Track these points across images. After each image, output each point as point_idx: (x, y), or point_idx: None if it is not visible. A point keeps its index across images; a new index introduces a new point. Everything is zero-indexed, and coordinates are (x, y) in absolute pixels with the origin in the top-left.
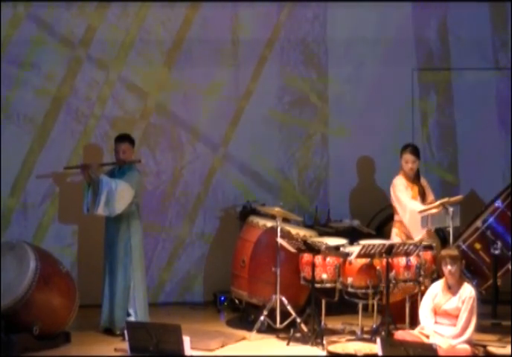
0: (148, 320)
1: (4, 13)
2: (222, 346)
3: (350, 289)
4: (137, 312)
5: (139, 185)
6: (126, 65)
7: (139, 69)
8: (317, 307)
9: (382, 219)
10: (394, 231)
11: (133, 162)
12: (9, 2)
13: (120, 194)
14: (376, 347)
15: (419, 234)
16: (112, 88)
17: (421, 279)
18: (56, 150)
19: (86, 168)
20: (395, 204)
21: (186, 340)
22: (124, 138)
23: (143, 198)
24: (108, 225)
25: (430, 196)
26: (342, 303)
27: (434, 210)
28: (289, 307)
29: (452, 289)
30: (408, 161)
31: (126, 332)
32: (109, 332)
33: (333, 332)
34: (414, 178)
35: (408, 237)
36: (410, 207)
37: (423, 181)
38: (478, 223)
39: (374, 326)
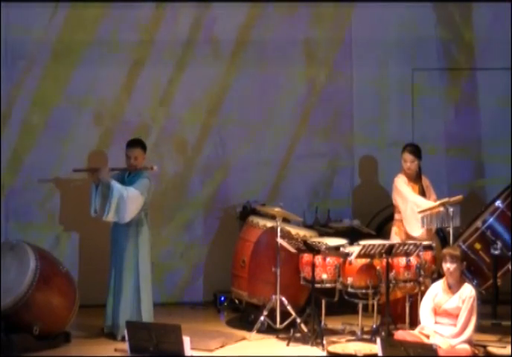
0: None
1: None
2: (222, 346)
3: (350, 289)
4: (143, 315)
5: (149, 193)
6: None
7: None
8: (317, 307)
9: (382, 219)
10: (394, 230)
11: (145, 169)
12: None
13: (131, 202)
14: (376, 347)
15: (417, 230)
16: (115, 90)
17: (421, 279)
18: (58, 154)
19: (96, 172)
20: (396, 199)
21: (186, 340)
22: (137, 144)
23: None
24: (116, 231)
25: (432, 196)
26: (342, 303)
27: (432, 210)
28: (289, 307)
29: (453, 289)
30: (407, 161)
31: (126, 332)
32: (111, 336)
33: (333, 332)
34: (416, 178)
35: (408, 236)
36: (412, 200)
37: (425, 181)
38: (478, 223)
39: (374, 326)
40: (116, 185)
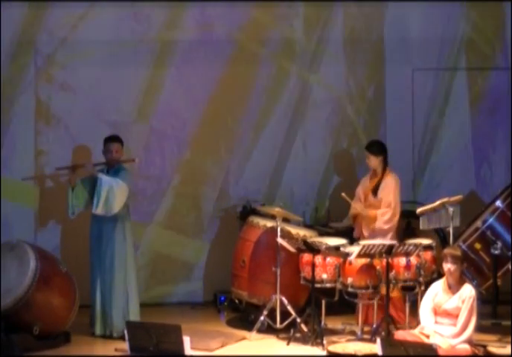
0: (139, 319)
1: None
2: (222, 346)
3: (350, 289)
4: (131, 310)
5: (132, 185)
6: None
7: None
8: (317, 307)
9: None
10: None
11: (128, 161)
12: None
13: (119, 193)
14: (376, 347)
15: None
16: (112, 89)
17: (421, 279)
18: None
19: (78, 168)
20: None
21: (186, 340)
22: (115, 139)
23: (143, 199)
24: (100, 228)
25: (386, 197)
26: (342, 303)
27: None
28: (289, 307)
29: (453, 289)
30: (366, 157)
31: (126, 332)
32: (105, 336)
33: (333, 332)
34: (379, 174)
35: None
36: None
37: (388, 178)
38: (478, 223)
39: (374, 326)
40: (104, 177)
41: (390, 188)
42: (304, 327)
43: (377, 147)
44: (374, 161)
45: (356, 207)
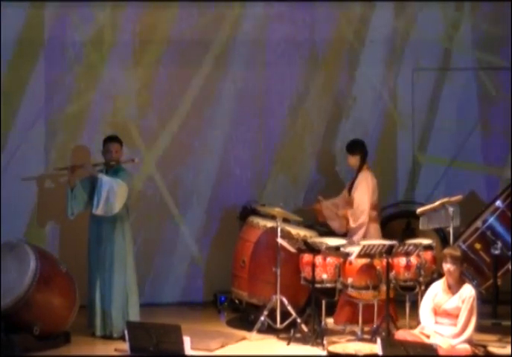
0: (138, 319)
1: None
2: (223, 347)
3: (350, 289)
4: (130, 310)
5: (131, 185)
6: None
7: (135, 69)
8: (317, 307)
9: (381, 219)
10: None
11: (127, 162)
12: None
13: (120, 193)
14: (377, 347)
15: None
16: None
17: (421, 279)
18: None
19: (77, 169)
20: None
21: (186, 340)
22: (115, 139)
23: (142, 199)
24: (98, 229)
25: (354, 194)
26: None
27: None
28: (289, 307)
29: (452, 289)
30: None
31: (126, 332)
32: (105, 336)
33: (334, 332)
34: (356, 173)
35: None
36: None
37: (361, 177)
38: (478, 223)
39: (374, 326)
40: (105, 177)
41: (358, 186)
42: (304, 327)
43: (353, 146)
44: (351, 160)
45: (329, 207)
